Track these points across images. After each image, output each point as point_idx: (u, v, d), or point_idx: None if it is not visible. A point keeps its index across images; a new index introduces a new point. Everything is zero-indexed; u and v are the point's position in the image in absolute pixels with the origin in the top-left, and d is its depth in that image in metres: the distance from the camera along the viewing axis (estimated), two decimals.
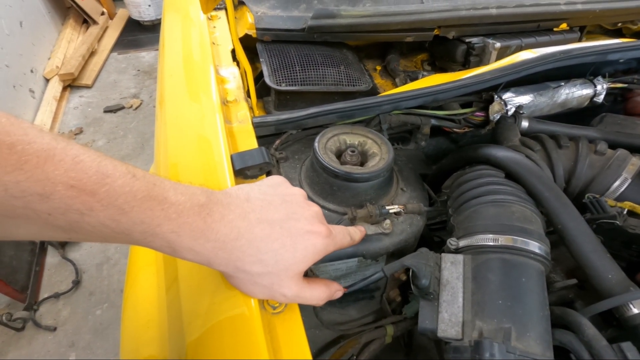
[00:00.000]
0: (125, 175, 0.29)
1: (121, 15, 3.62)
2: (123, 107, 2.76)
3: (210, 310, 0.40)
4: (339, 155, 0.57)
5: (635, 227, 0.51)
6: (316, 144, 0.54)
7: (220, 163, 0.49)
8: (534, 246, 0.47)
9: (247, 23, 0.80)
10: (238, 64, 0.70)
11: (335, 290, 0.43)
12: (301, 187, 0.56)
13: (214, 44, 0.72)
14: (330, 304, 0.60)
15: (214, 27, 0.78)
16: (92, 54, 3.11)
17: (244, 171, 0.50)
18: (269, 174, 0.54)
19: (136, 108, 2.77)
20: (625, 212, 0.52)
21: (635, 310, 0.42)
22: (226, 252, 0.34)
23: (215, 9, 0.82)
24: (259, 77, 0.80)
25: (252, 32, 0.79)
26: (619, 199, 0.57)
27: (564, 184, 0.61)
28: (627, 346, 0.39)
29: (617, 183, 0.57)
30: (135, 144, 2.52)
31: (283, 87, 0.75)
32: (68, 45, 3.07)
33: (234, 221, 0.34)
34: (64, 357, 1.57)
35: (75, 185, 0.26)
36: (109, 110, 2.72)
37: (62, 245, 1.90)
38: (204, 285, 0.42)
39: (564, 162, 0.61)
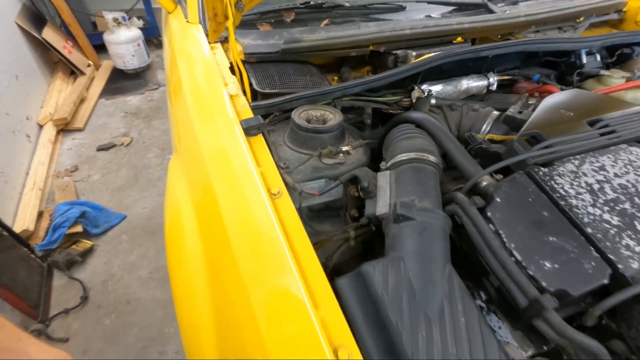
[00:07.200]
0: None
1: (106, 66, 3.95)
2: (115, 145, 3.00)
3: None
4: (308, 121, 0.87)
5: (494, 148, 0.83)
6: (294, 114, 0.85)
7: (233, 126, 0.78)
8: (430, 157, 0.78)
9: (237, 50, 1.12)
10: (234, 74, 1.01)
11: None
12: (285, 144, 0.86)
13: (217, 64, 1.03)
14: (312, 219, 0.88)
15: (215, 54, 1.10)
16: (82, 101, 3.38)
17: (249, 130, 0.79)
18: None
19: (127, 145, 3.02)
20: (487, 139, 0.85)
21: (484, 183, 0.72)
22: None
23: (215, 42, 1.15)
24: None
25: (242, 56, 1.11)
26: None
27: (456, 132, 0.93)
28: (478, 200, 0.69)
29: (484, 126, 0.90)
30: (128, 176, 2.74)
31: (267, 91, 1.06)
32: (58, 94, 3.34)
33: None
34: None
35: None
36: (101, 149, 2.95)
37: (68, 267, 2.06)
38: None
39: (455, 118, 0.94)
